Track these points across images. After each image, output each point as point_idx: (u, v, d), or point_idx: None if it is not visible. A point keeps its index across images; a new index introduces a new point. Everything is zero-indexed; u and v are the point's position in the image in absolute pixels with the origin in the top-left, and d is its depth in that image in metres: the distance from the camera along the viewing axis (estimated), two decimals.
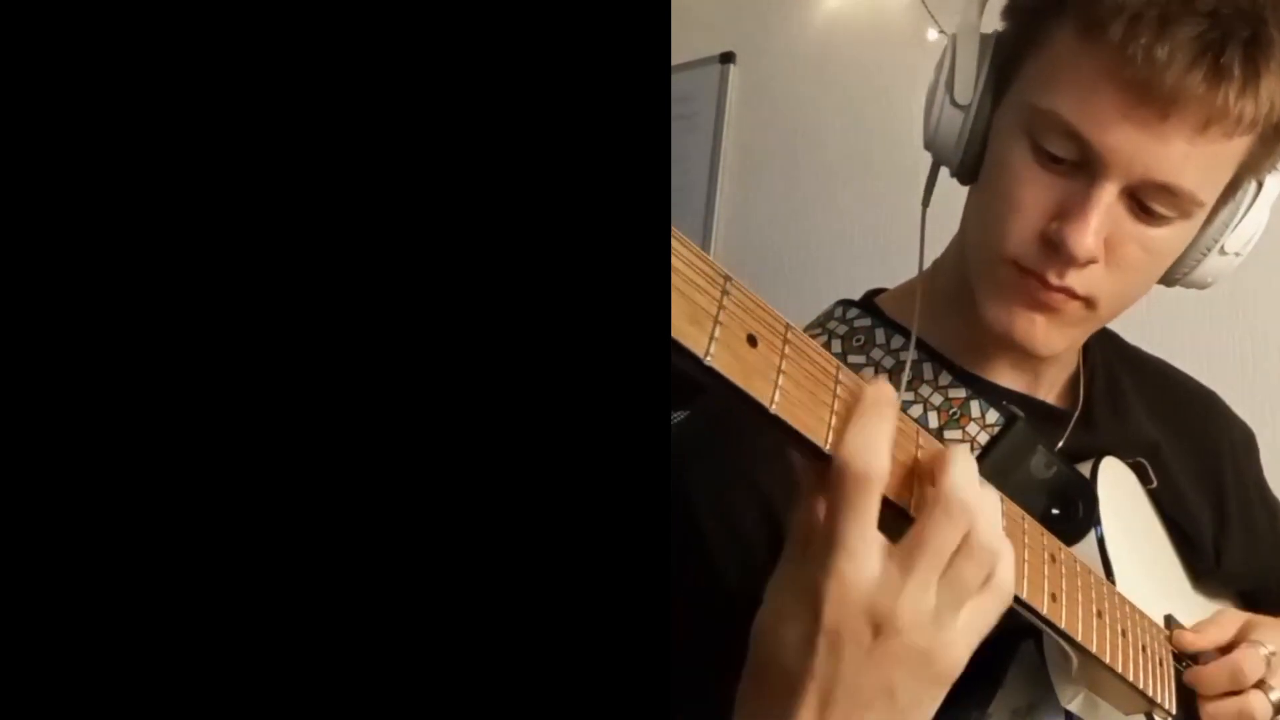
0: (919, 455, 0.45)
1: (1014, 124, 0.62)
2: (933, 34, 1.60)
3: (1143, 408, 0.79)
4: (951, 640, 0.43)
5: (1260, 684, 0.64)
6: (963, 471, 0.43)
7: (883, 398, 0.42)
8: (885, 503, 0.43)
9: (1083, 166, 0.59)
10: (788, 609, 0.43)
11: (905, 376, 0.68)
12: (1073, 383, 0.77)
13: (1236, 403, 0.89)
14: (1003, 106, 0.64)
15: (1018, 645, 0.63)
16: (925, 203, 0.70)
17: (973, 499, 0.43)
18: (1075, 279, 0.61)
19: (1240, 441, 0.87)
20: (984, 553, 0.43)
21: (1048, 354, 0.66)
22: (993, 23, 0.67)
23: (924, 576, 0.42)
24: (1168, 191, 0.59)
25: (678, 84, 1.97)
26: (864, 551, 0.41)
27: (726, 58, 2.02)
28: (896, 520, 0.44)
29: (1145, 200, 0.60)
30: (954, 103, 0.65)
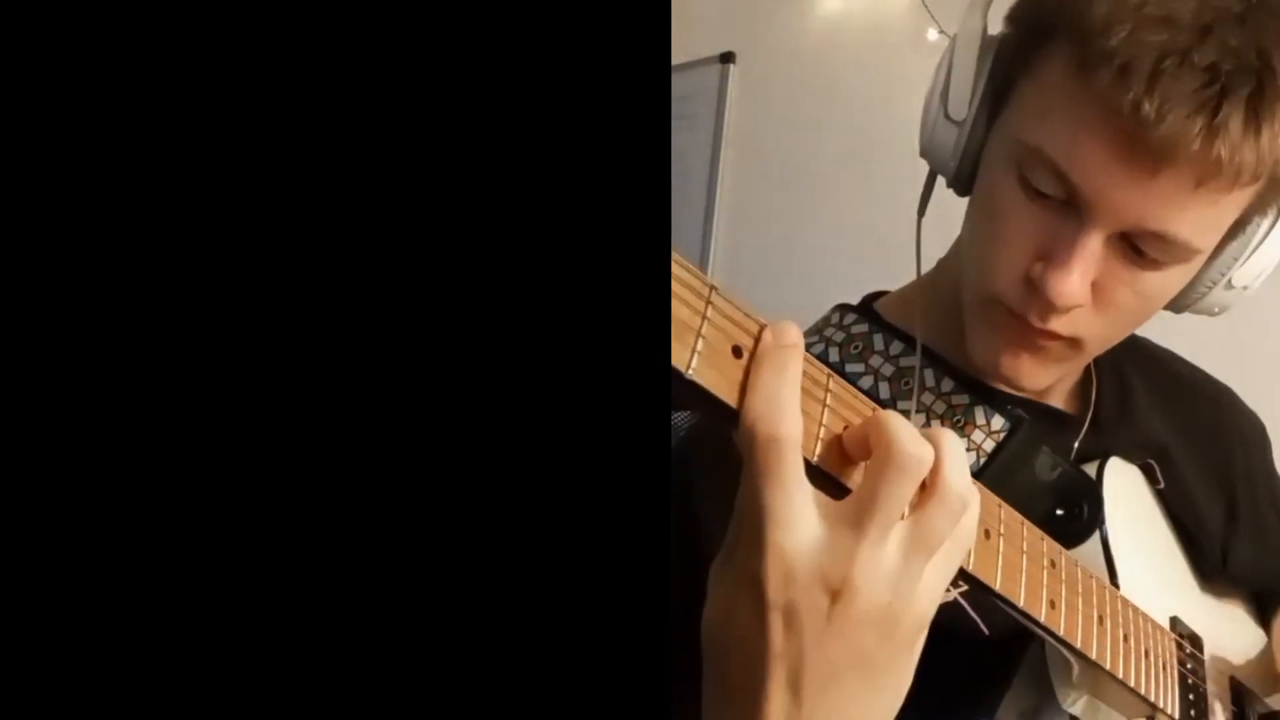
0: (855, 421, 0.43)
1: (1004, 154, 0.59)
2: (933, 34, 1.60)
3: (1152, 407, 0.79)
4: (916, 593, 0.40)
5: None
6: (902, 426, 0.40)
7: (781, 341, 0.39)
8: (823, 476, 0.41)
9: (1071, 205, 0.56)
10: (731, 596, 0.40)
11: (917, 383, 0.67)
12: (1082, 387, 0.76)
13: (1241, 395, 0.89)
14: (996, 126, 0.61)
15: (1025, 648, 0.63)
16: (921, 212, 0.68)
17: (922, 451, 0.40)
18: (1059, 323, 0.59)
19: (1252, 437, 0.86)
20: (956, 499, 0.41)
21: (1034, 389, 0.64)
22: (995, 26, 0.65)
23: (877, 535, 0.39)
24: (1161, 239, 0.56)
25: (678, 84, 1.98)
26: (795, 517, 0.38)
27: (726, 58, 2.02)
28: (840, 491, 0.41)
29: (1138, 244, 0.56)
30: (948, 117, 0.62)
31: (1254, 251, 0.62)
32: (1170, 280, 0.60)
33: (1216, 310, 0.67)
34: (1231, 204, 0.57)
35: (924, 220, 0.69)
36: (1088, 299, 0.58)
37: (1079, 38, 0.54)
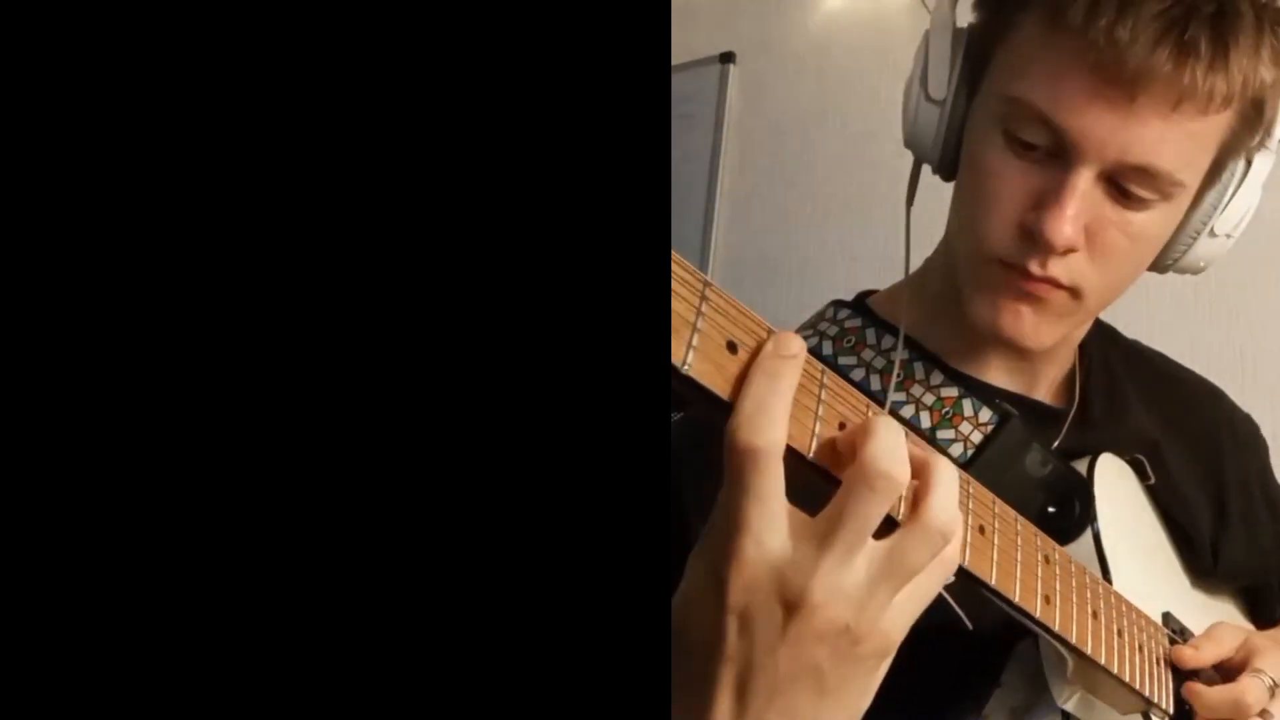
0: (850, 424, 0.42)
1: (987, 116, 0.62)
2: None
3: (1142, 404, 0.79)
4: (881, 618, 0.40)
5: (1262, 713, 0.64)
6: (883, 442, 0.39)
7: (781, 351, 0.39)
8: (817, 470, 0.41)
9: (1057, 154, 0.59)
10: (696, 590, 0.41)
11: (896, 375, 0.68)
12: (1069, 381, 0.77)
13: (1235, 399, 0.89)
14: (977, 100, 0.64)
15: (1015, 645, 0.63)
16: (909, 202, 0.70)
17: (897, 471, 0.39)
18: (1058, 268, 0.60)
19: (1244, 435, 0.86)
20: (937, 535, 0.40)
21: (1037, 348, 0.65)
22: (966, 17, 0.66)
23: (841, 553, 0.39)
24: (1145, 173, 0.58)
25: (678, 84, 1.98)
26: (765, 529, 0.38)
27: (726, 58, 2.02)
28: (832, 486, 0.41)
29: (1123, 183, 0.59)
30: (929, 98, 0.64)
31: (1232, 197, 0.65)
32: (1158, 221, 0.62)
33: (1202, 265, 0.68)
34: (1207, 136, 0.59)
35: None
36: (1082, 242, 0.60)
37: None
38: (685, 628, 0.41)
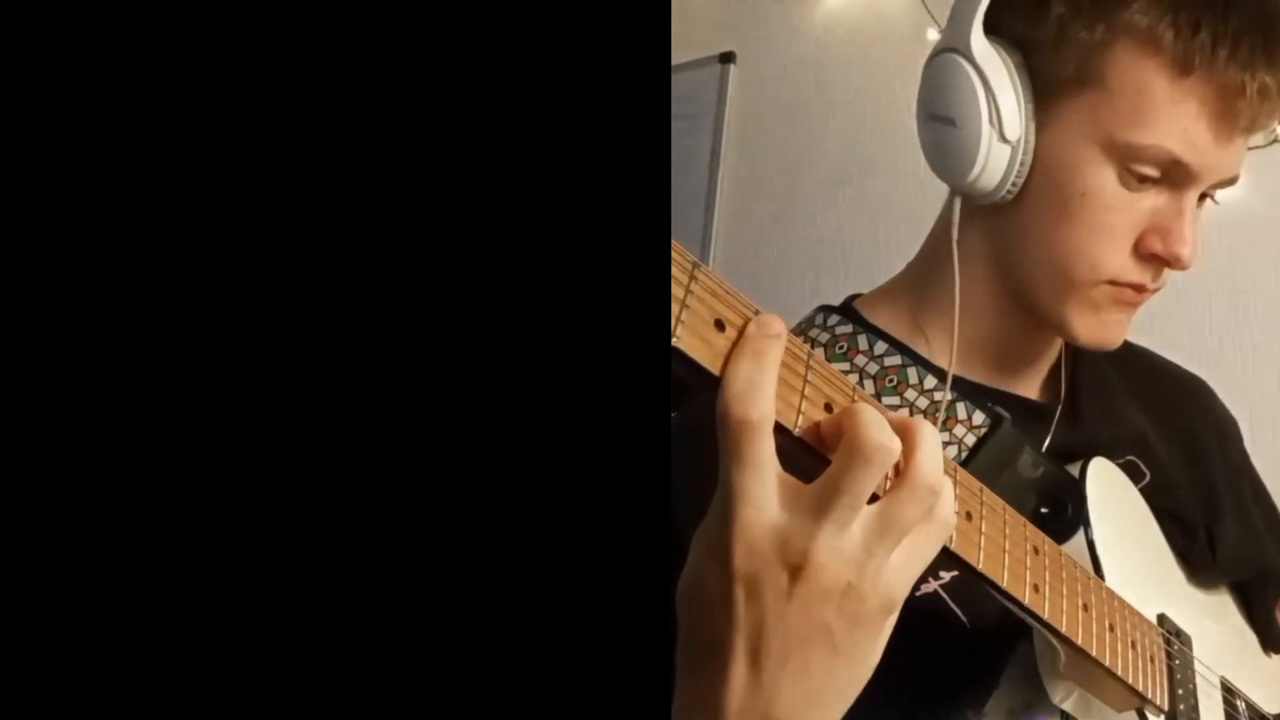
0: (835, 397, 0.44)
1: (1092, 156, 0.63)
2: (932, 33, 1.61)
3: (1130, 398, 0.80)
4: (882, 575, 0.42)
5: None
6: (874, 417, 0.41)
7: (764, 331, 0.40)
8: (804, 446, 0.43)
9: (1171, 178, 0.63)
10: (703, 563, 0.42)
11: (944, 407, 0.69)
12: (1053, 375, 0.78)
13: (1234, 402, 0.90)
14: (1052, 131, 0.64)
15: (1014, 646, 0.64)
16: (955, 239, 0.68)
17: (888, 442, 0.41)
18: (1165, 276, 0.66)
19: (1229, 428, 0.88)
20: (924, 490, 0.42)
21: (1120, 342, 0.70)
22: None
23: (839, 519, 0.40)
24: (1230, 181, 0.65)
25: (678, 84, 1.98)
26: (763, 495, 0.40)
27: (726, 58, 2.02)
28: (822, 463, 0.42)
29: (1210, 191, 0.66)
30: (1004, 138, 0.64)
31: None
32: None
33: None
34: None
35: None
36: None
37: (1161, 38, 0.60)
38: (693, 603, 0.42)
